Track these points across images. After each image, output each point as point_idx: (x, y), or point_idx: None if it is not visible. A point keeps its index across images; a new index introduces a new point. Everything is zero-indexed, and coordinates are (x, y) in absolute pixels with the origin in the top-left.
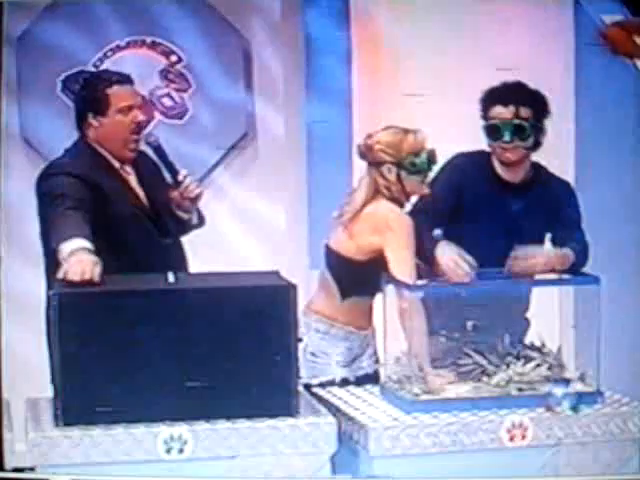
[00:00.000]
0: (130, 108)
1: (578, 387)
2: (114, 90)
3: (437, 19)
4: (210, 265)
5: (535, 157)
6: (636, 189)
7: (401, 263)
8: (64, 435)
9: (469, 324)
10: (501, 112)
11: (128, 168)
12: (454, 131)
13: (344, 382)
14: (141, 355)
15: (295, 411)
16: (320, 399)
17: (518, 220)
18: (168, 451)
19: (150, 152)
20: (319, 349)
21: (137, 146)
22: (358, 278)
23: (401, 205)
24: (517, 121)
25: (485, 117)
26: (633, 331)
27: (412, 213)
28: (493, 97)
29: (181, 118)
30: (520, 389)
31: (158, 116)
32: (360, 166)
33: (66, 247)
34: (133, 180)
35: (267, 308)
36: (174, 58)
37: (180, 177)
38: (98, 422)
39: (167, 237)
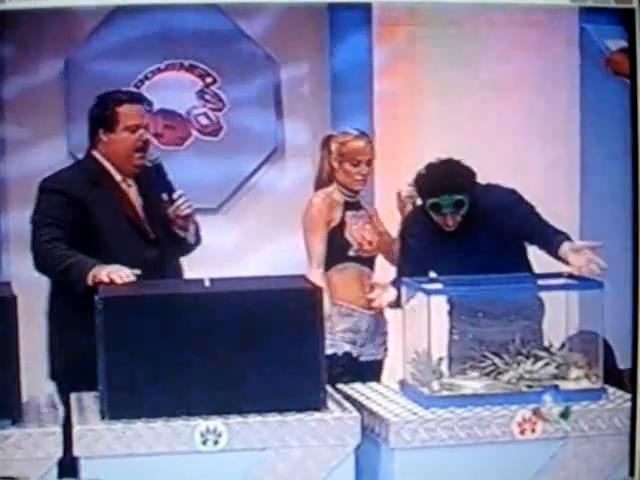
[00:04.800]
0: (137, 127)
1: (584, 384)
2: (123, 108)
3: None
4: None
5: (543, 173)
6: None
7: (307, 247)
8: (108, 428)
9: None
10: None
11: (130, 181)
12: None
13: (351, 359)
14: (180, 354)
15: (322, 406)
16: (345, 395)
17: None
18: (204, 443)
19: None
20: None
21: (141, 163)
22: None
23: (348, 196)
24: (456, 199)
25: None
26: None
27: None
28: (429, 189)
29: (216, 135)
30: (530, 386)
31: (195, 133)
32: (381, 182)
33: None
34: (133, 193)
35: (296, 310)
36: (209, 80)
37: (175, 196)
38: (140, 416)
39: (156, 251)
